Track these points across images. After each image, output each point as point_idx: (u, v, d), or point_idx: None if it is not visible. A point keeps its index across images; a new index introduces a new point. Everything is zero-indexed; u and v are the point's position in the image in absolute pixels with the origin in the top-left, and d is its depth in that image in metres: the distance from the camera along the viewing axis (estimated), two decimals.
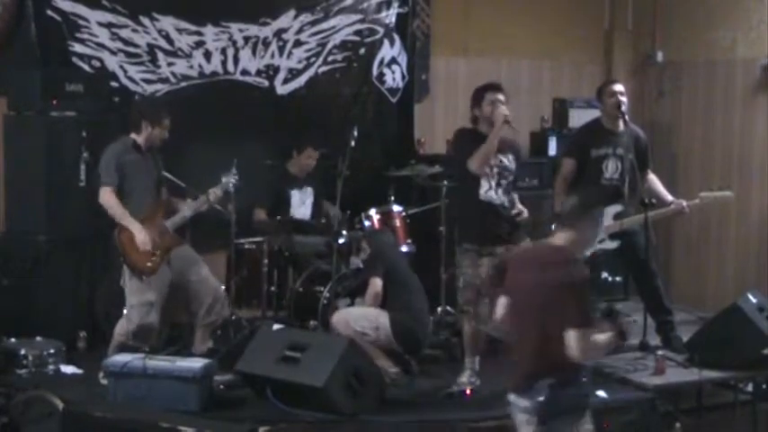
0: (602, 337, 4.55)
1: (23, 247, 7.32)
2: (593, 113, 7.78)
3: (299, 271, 7.75)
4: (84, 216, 7.14)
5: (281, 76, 8.65)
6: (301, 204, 8.11)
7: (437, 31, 9.34)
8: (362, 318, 6.71)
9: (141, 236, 6.49)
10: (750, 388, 6.95)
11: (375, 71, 9.07)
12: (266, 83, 8.60)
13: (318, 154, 8.09)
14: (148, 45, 8.07)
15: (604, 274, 8.54)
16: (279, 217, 7.77)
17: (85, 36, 7.81)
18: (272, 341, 6.18)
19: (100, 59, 7.88)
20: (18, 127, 7.47)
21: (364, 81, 9.03)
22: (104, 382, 6.24)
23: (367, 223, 7.77)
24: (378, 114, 9.14)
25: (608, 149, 7.28)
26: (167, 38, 8.14)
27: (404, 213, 7.96)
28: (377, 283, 6.81)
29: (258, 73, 8.56)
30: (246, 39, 8.46)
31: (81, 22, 7.78)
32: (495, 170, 6.42)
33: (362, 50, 8.99)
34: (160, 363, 6.10)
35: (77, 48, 7.78)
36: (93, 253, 7.38)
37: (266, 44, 8.56)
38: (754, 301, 6.87)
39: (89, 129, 7.27)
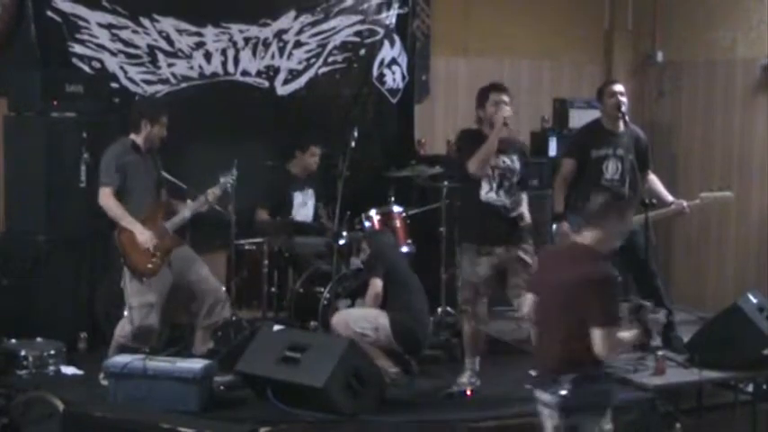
0: (626, 334, 4.61)
1: (23, 247, 7.32)
2: (594, 114, 7.78)
3: (300, 272, 7.75)
4: (84, 216, 7.14)
5: (282, 76, 8.66)
6: (303, 206, 8.10)
7: (437, 32, 9.35)
8: (362, 319, 6.71)
9: (143, 236, 6.49)
10: (750, 388, 6.95)
11: (375, 72, 9.07)
12: (266, 84, 8.60)
13: (321, 151, 8.10)
14: (149, 46, 8.07)
15: None
16: (278, 217, 7.76)
17: (86, 37, 7.81)
18: (272, 342, 6.18)
19: (100, 60, 7.88)
20: (18, 128, 7.47)
21: (364, 82, 9.03)
22: (105, 382, 6.24)
23: (367, 224, 7.77)
24: (378, 115, 9.14)
25: (608, 150, 7.27)
26: (167, 39, 8.14)
27: (404, 214, 7.96)
28: (377, 284, 6.81)
29: (258, 74, 8.56)
30: (247, 40, 8.46)
31: (81, 22, 7.78)
32: (497, 171, 6.40)
33: (363, 51, 8.99)
34: (160, 364, 6.10)
35: (77, 49, 7.79)
36: (93, 253, 7.38)
37: (266, 45, 8.56)
38: (754, 301, 6.87)
39: (89, 130, 7.27)
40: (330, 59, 8.85)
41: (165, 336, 7.07)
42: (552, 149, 9.14)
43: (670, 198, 7.41)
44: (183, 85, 8.24)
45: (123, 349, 6.48)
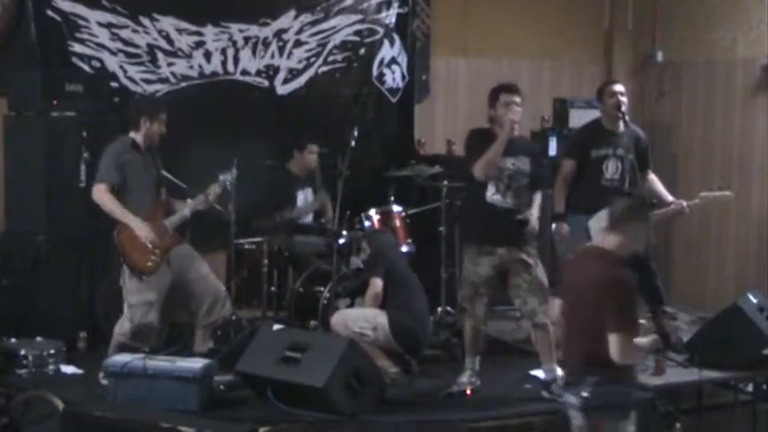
0: (643, 340, 4.62)
1: (23, 247, 7.32)
2: (594, 114, 7.78)
3: (300, 271, 7.75)
4: (84, 216, 7.14)
5: (281, 76, 8.66)
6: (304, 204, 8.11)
7: (437, 31, 9.35)
8: (361, 318, 6.71)
9: (140, 230, 6.47)
10: (750, 388, 6.95)
11: (375, 71, 9.07)
12: (266, 83, 8.60)
13: (319, 149, 8.10)
14: (148, 45, 8.07)
15: None
16: (279, 218, 7.77)
17: (85, 36, 7.81)
18: (272, 341, 6.18)
19: (100, 60, 7.88)
20: (18, 127, 7.47)
21: (364, 81, 9.03)
22: (105, 382, 6.23)
23: (367, 223, 7.77)
24: (378, 114, 9.14)
25: (608, 150, 7.28)
26: (167, 38, 8.14)
27: (404, 213, 7.96)
28: (377, 284, 6.81)
29: (258, 73, 8.56)
30: (246, 39, 8.46)
31: (81, 22, 7.78)
32: (506, 173, 6.34)
33: (362, 51, 8.99)
34: (160, 363, 6.09)
35: (77, 48, 7.78)
36: (92, 253, 7.38)
37: (266, 44, 8.56)
38: (754, 301, 6.88)
39: (89, 129, 7.26)
40: (330, 59, 8.85)
41: (164, 334, 7.06)
42: (552, 149, 9.13)
43: (670, 198, 7.41)
44: (183, 84, 8.24)
45: (123, 348, 6.48)
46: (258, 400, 6.10)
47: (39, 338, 6.93)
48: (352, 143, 7.53)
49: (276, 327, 6.42)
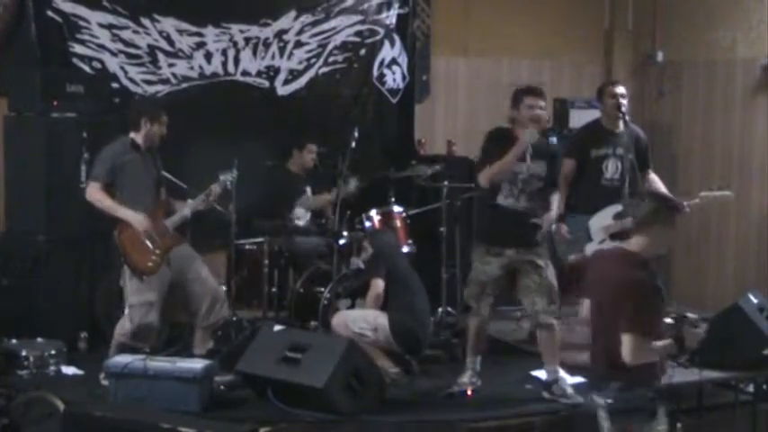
0: (658, 344, 4.62)
1: (23, 247, 7.32)
2: (594, 114, 7.79)
3: (300, 271, 7.75)
4: (84, 216, 7.13)
5: (282, 76, 8.66)
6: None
7: (437, 32, 9.35)
8: (361, 319, 6.71)
9: (139, 222, 6.45)
10: (751, 388, 6.94)
11: (375, 72, 9.08)
12: (267, 84, 8.61)
13: (317, 149, 8.10)
14: (149, 46, 8.08)
15: None
16: (279, 221, 7.77)
17: (86, 37, 7.82)
18: (272, 342, 6.18)
19: (100, 60, 7.89)
20: (18, 128, 7.47)
21: (365, 82, 9.04)
22: (105, 382, 6.24)
23: (367, 224, 7.76)
24: (378, 115, 9.15)
25: (608, 150, 7.29)
26: (168, 39, 8.15)
27: (404, 214, 7.96)
28: (379, 285, 6.81)
29: (259, 74, 8.57)
30: (247, 40, 8.47)
31: (81, 23, 7.79)
32: (521, 177, 6.26)
33: (363, 51, 9.00)
34: (161, 363, 6.10)
35: (78, 49, 7.80)
36: (93, 253, 7.39)
37: (267, 45, 8.57)
38: (754, 301, 6.87)
39: (89, 130, 7.27)
40: (330, 59, 8.86)
41: (164, 335, 7.07)
42: None
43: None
44: (184, 85, 8.25)
45: (123, 348, 6.48)
46: (258, 401, 6.11)
47: (39, 339, 6.94)
48: (353, 143, 7.54)
49: (276, 327, 6.43)
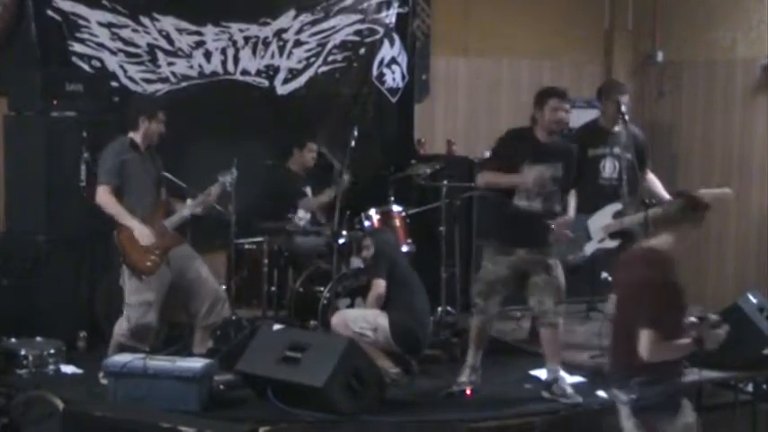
0: (676, 342, 4.61)
1: (23, 247, 7.32)
2: (594, 113, 7.78)
3: (300, 271, 7.75)
4: (84, 216, 7.13)
5: (281, 76, 8.66)
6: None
7: (437, 31, 9.35)
8: (361, 319, 6.71)
9: (141, 233, 6.47)
10: (750, 388, 6.95)
11: (375, 71, 9.07)
12: (266, 83, 8.60)
13: (317, 148, 8.10)
14: (149, 45, 8.07)
15: (604, 274, 8.51)
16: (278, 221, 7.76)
17: (86, 36, 7.81)
18: (272, 341, 6.18)
19: (100, 59, 7.88)
20: (18, 127, 7.47)
21: (364, 81, 9.03)
22: (104, 382, 6.23)
23: (367, 223, 7.76)
24: (378, 114, 9.15)
25: (605, 149, 7.30)
26: (167, 38, 8.14)
27: (404, 213, 7.96)
28: (380, 285, 6.79)
29: (258, 73, 8.56)
30: (246, 39, 8.47)
31: (81, 21, 7.78)
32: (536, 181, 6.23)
33: (362, 50, 9.00)
34: (160, 363, 6.09)
35: (77, 48, 7.79)
36: (92, 253, 7.38)
37: (266, 44, 8.56)
38: (754, 301, 6.87)
39: (89, 129, 7.26)
40: (330, 59, 8.85)
41: (163, 334, 7.07)
42: None
43: (668, 197, 7.41)
44: (183, 84, 8.25)
45: (122, 348, 6.48)
46: (258, 400, 6.10)
47: (39, 338, 6.93)
48: (352, 143, 7.54)
49: (276, 327, 6.42)
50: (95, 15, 7.84)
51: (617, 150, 7.28)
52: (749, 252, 8.94)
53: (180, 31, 8.19)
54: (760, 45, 8.86)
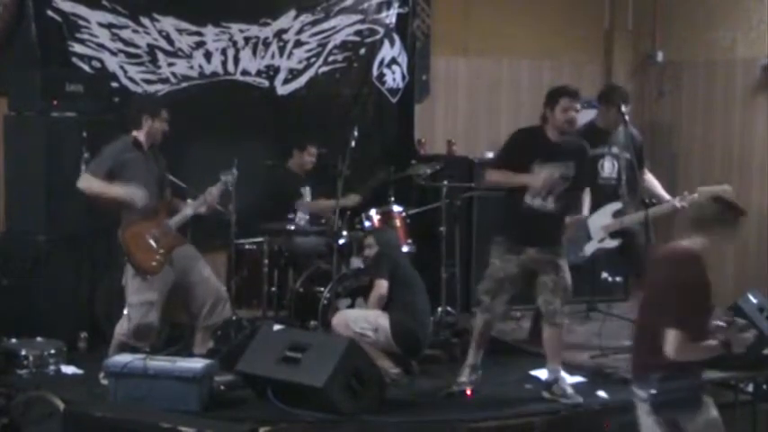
0: (703, 344, 4.61)
1: (23, 247, 7.32)
2: (594, 114, 7.78)
3: (300, 271, 7.75)
4: (84, 216, 7.14)
5: (282, 76, 8.66)
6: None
7: (437, 31, 9.35)
8: (362, 319, 6.71)
9: (135, 195, 6.40)
10: (750, 388, 6.95)
11: (375, 71, 9.08)
12: (266, 83, 8.61)
13: (318, 151, 8.11)
14: (149, 45, 8.08)
15: (604, 274, 8.53)
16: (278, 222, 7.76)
17: (86, 36, 7.82)
18: (272, 341, 6.18)
19: (100, 60, 7.88)
20: (18, 127, 7.47)
21: (364, 81, 9.03)
22: (105, 382, 6.23)
23: (367, 223, 7.76)
24: (378, 115, 9.15)
25: (603, 149, 7.31)
26: (168, 38, 8.14)
27: (404, 213, 7.96)
28: (383, 286, 6.78)
29: (258, 73, 8.56)
30: (247, 39, 8.47)
31: (81, 22, 7.79)
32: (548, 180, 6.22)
33: (363, 51, 9.00)
34: (161, 363, 6.10)
35: (78, 48, 7.79)
36: (93, 253, 7.38)
37: (266, 44, 8.57)
38: (754, 301, 6.87)
39: (89, 129, 7.26)
40: (330, 59, 8.86)
41: (164, 334, 7.07)
42: None
43: (667, 196, 7.44)
44: (184, 84, 8.25)
45: (123, 347, 6.48)
46: (258, 400, 6.11)
47: (39, 338, 6.94)
48: (353, 143, 7.54)
49: (276, 327, 6.42)
50: (95, 16, 7.84)
51: (615, 150, 7.28)
52: (749, 252, 8.94)
53: (180, 31, 8.19)
54: (760, 45, 8.86)
